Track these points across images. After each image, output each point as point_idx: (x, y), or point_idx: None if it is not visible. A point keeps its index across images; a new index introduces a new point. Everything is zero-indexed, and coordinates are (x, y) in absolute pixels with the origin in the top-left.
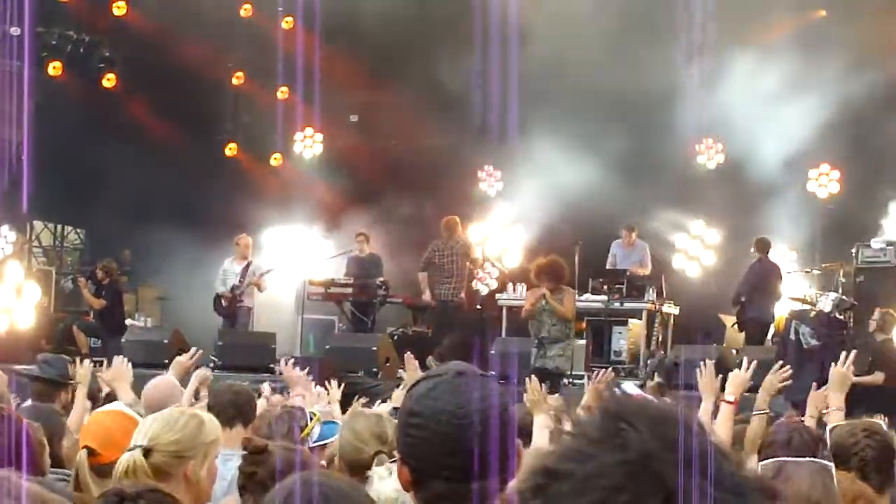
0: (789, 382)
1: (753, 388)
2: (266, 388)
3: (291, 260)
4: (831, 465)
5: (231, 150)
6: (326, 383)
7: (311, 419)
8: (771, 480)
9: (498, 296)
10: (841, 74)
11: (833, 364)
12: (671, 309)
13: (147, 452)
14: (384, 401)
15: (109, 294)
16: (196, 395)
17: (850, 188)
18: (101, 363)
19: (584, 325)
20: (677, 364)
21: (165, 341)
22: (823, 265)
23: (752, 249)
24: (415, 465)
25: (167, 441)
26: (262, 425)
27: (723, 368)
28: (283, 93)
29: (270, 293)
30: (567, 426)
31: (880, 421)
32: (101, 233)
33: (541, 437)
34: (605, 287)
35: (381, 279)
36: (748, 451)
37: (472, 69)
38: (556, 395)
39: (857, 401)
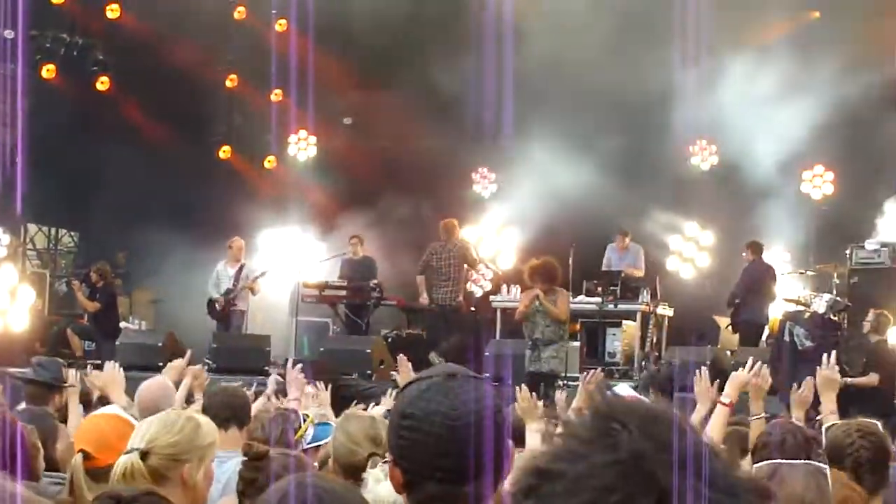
0: (770, 381)
1: None
2: (272, 381)
3: (285, 262)
4: (826, 467)
5: (225, 152)
6: (315, 385)
7: (305, 421)
8: (763, 481)
9: (492, 298)
10: (834, 76)
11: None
12: (665, 310)
13: (144, 455)
14: (377, 403)
15: (104, 297)
16: (189, 399)
17: (844, 189)
18: (87, 367)
19: (578, 326)
20: (671, 378)
21: (160, 344)
22: (817, 266)
23: (746, 253)
24: (407, 467)
25: (164, 444)
26: (257, 427)
27: (717, 370)
28: (276, 95)
29: (265, 296)
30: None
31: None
32: (95, 235)
33: (534, 440)
34: (600, 289)
35: (375, 281)
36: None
37: (466, 71)
38: (558, 393)
39: (852, 402)
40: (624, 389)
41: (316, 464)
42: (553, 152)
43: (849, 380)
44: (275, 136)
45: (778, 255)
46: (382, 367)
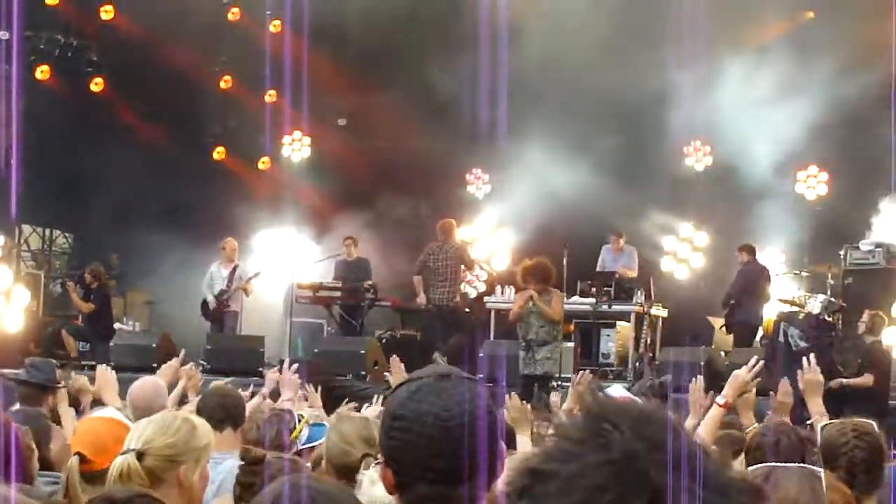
0: (759, 380)
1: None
2: (269, 381)
3: (279, 263)
4: (820, 470)
5: (219, 153)
6: (306, 388)
7: (300, 421)
8: (756, 481)
9: (486, 298)
10: (828, 76)
11: (821, 367)
12: (659, 311)
13: (140, 456)
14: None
15: (98, 298)
16: (182, 400)
17: (838, 190)
18: (72, 373)
19: (572, 327)
20: (663, 383)
21: (154, 345)
22: (812, 267)
23: (739, 255)
24: (398, 468)
25: (161, 445)
26: (251, 428)
27: (712, 371)
28: (270, 96)
29: (259, 297)
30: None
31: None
32: (90, 236)
33: (525, 447)
34: (594, 289)
35: (370, 282)
36: None
37: (461, 71)
38: (553, 395)
39: (847, 402)
40: (617, 390)
41: (309, 464)
42: (547, 153)
43: (844, 380)
44: (269, 136)
45: (772, 255)
46: (377, 367)
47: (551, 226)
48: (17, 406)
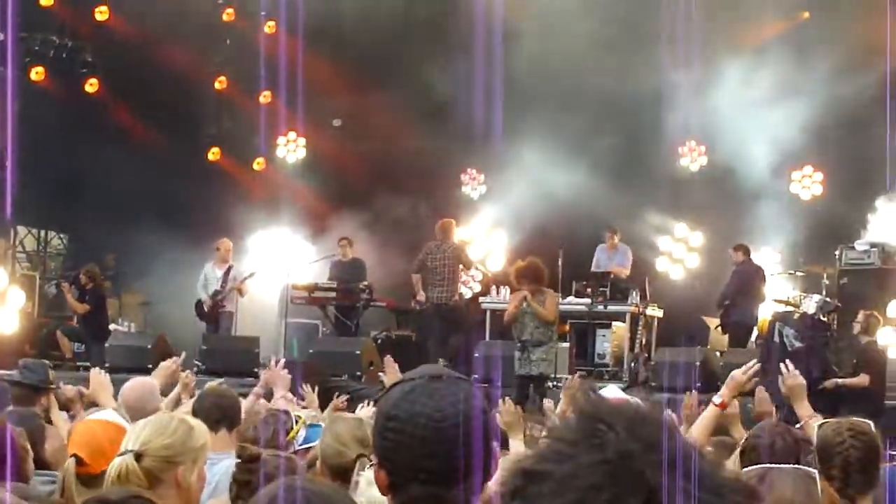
0: (756, 380)
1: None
2: (264, 377)
3: (275, 264)
4: (815, 471)
5: (214, 154)
6: (303, 388)
7: (297, 422)
8: (750, 482)
9: (482, 299)
10: (823, 77)
11: (816, 367)
12: (655, 311)
13: (138, 457)
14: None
15: (93, 299)
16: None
17: (833, 190)
18: (60, 385)
19: (567, 327)
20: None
21: (149, 346)
22: (807, 267)
23: (734, 255)
24: (392, 469)
25: (158, 446)
26: (248, 428)
27: (707, 371)
28: (265, 97)
29: (254, 297)
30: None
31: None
32: (85, 238)
33: (518, 447)
34: (589, 290)
35: (365, 283)
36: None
37: (456, 72)
38: (546, 402)
39: (843, 403)
40: (613, 391)
41: (303, 464)
42: (543, 153)
43: (839, 380)
44: (264, 137)
45: (768, 255)
46: (372, 368)
47: (547, 226)
48: (10, 407)
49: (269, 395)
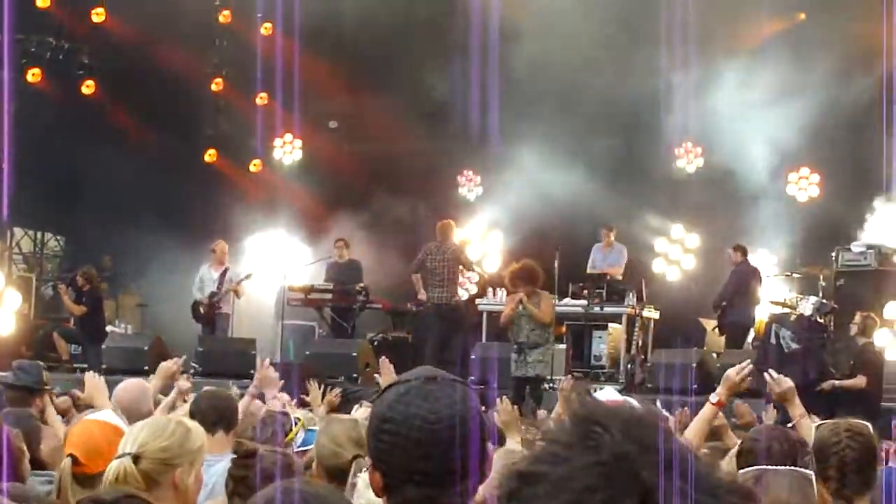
0: (750, 379)
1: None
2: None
3: (271, 266)
4: (811, 473)
5: (210, 156)
6: (308, 383)
7: (296, 424)
8: (746, 483)
9: (478, 301)
10: (820, 78)
11: (813, 369)
12: (651, 313)
13: (136, 459)
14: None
15: (90, 301)
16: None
17: (829, 191)
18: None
19: (564, 329)
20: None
21: (146, 348)
22: (804, 269)
23: (732, 255)
24: (386, 471)
25: (156, 448)
26: (245, 429)
27: (703, 373)
28: (262, 99)
29: (251, 299)
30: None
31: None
32: (82, 239)
33: (514, 444)
34: (585, 291)
35: (361, 285)
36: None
37: (453, 73)
38: (541, 412)
39: (840, 404)
40: (609, 393)
41: (301, 462)
42: (539, 154)
43: (836, 382)
44: (260, 139)
45: (764, 257)
46: (368, 370)
47: (543, 227)
48: (6, 409)
49: (263, 396)
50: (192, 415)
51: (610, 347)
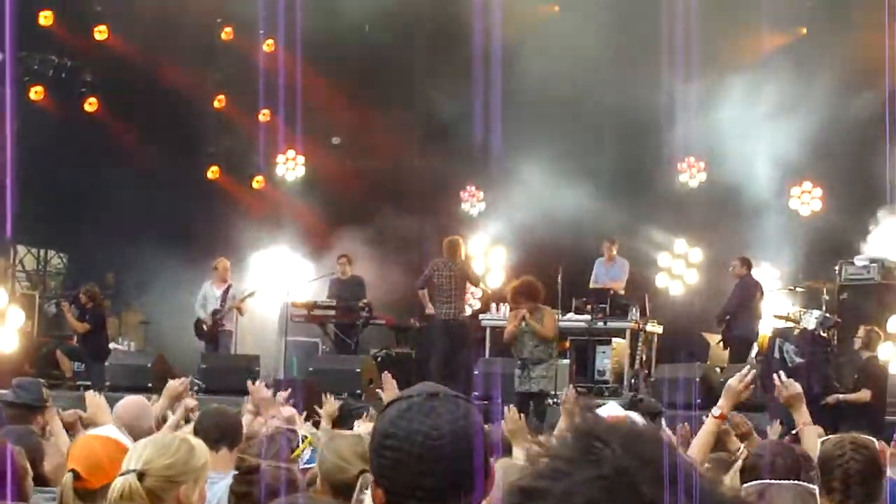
0: (752, 387)
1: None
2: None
3: (274, 282)
4: (815, 487)
5: (213, 172)
6: (324, 396)
7: (303, 441)
8: (749, 498)
9: (481, 316)
10: (823, 92)
11: (817, 382)
12: (655, 328)
13: (141, 476)
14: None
15: (93, 318)
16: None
17: (832, 205)
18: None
19: (567, 344)
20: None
21: (149, 365)
22: (807, 283)
23: (735, 267)
24: (389, 487)
25: (160, 465)
26: (252, 446)
27: (707, 387)
28: (264, 115)
29: (254, 315)
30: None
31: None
32: (85, 257)
33: (520, 453)
34: (589, 306)
35: (364, 301)
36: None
37: (457, 90)
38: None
39: (844, 418)
40: (613, 408)
41: (304, 479)
42: (542, 169)
43: (840, 396)
44: (263, 156)
45: (767, 271)
46: (372, 386)
47: (546, 243)
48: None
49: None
50: (196, 432)
51: (613, 362)
